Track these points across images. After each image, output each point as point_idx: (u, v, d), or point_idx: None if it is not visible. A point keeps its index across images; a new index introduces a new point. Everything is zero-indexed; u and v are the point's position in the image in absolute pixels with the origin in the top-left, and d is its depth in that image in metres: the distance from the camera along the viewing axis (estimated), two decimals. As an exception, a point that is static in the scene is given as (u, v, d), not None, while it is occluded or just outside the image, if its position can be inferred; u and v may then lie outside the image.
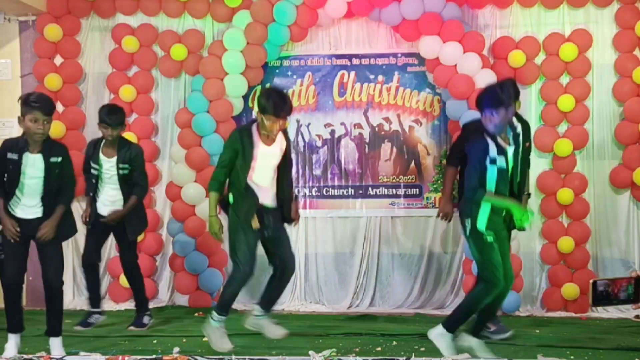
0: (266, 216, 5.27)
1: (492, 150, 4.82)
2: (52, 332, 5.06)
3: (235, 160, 5.26)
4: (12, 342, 5.00)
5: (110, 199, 6.22)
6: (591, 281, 2.73)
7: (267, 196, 5.31)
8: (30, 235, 4.96)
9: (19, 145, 4.98)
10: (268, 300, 5.47)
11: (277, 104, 5.15)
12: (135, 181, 6.23)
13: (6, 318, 5.03)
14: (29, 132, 4.94)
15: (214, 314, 5.33)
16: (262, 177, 5.28)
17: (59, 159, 4.97)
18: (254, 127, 5.32)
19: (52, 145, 5.04)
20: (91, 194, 6.26)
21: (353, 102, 7.54)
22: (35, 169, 4.93)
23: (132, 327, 6.32)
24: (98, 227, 6.26)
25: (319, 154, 7.56)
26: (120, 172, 6.17)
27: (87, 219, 6.27)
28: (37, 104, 4.95)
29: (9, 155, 4.97)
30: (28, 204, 4.96)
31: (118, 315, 6.95)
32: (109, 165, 6.19)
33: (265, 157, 5.28)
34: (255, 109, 7.48)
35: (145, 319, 6.39)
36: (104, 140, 6.23)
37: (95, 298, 6.40)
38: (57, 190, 4.98)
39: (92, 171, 6.23)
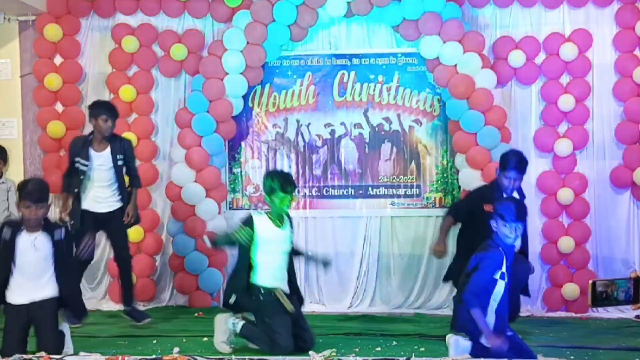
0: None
1: (504, 264, 4.62)
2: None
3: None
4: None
5: (102, 195, 6.24)
6: (590, 282, 2.72)
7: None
8: None
9: None
10: None
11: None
12: (130, 173, 6.37)
13: None
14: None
15: (237, 319, 5.44)
16: None
17: None
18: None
19: None
20: (76, 191, 6.22)
21: (353, 102, 7.54)
22: None
23: (143, 320, 6.39)
24: (90, 224, 6.18)
25: (319, 154, 7.56)
26: (119, 162, 6.24)
27: (69, 217, 6.18)
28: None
29: None
30: None
31: (118, 315, 6.93)
32: (101, 160, 6.20)
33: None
34: (256, 109, 7.53)
35: (140, 308, 6.51)
36: (92, 136, 6.27)
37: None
38: None
39: (81, 167, 6.20)
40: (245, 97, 7.46)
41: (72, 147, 6.37)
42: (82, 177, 6.21)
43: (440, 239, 6.11)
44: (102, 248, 7.53)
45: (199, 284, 7.33)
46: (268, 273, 5.40)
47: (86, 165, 6.20)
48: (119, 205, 6.36)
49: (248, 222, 5.41)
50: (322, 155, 7.56)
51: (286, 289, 5.48)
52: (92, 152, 6.22)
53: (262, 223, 5.43)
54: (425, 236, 7.41)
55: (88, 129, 7.42)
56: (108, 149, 6.25)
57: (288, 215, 5.58)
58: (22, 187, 4.91)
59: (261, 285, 5.37)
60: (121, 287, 6.55)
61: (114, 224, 6.35)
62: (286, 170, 7.47)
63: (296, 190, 5.57)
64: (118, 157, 6.24)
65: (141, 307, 7.31)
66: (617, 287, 2.73)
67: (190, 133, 7.29)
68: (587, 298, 2.74)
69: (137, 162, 6.86)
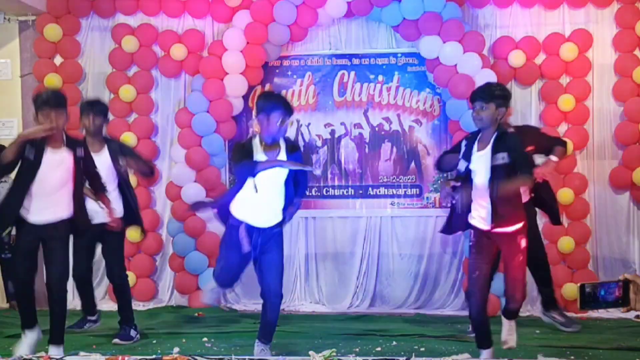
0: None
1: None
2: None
3: None
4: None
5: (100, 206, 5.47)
6: (579, 285, 2.72)
7: None
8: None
9: None
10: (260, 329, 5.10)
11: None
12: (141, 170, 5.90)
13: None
14: None
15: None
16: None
17: None
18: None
19: None
20: None
21: (353, 102, 7.54)
22: None
23: (117, 340, 5.70)
24: (86, 236, 5.49)
25: (319, 154, 7.56)
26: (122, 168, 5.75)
27: None
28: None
29: None
30: None
31: (118, 315, 6.94)
32: (101, 162, 5.49)
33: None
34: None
35: (132, 332, 5.80)
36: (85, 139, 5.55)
37: (90, 306, 6.05)
38: None
39: None
40: (245, 97, 7.46)
41: None
42: None
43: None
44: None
45: (199, 284, 7.33)
46: (244, 204, 4.85)
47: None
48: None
49: (246, 146, 4.89)
50: (322, 155, 7.57)
51: (269, 224, 4.89)
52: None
53: (256, 149, 4.86)
54: (425, 236, 7.41)
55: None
56: (105, 150, 5.73)
57: (288, 143, 4.98)
58: (37, 98, 4.80)
59: (234, 214, 4.88)
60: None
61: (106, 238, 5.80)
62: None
63: (289, 111, 4.84)
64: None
65: (141, 307, 7.33)
66: (606, 289, 2.71)
67: (190, 133, 7.30)
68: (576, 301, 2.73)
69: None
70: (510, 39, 7.24)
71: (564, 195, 7.04)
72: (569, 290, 6.97)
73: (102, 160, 5.57)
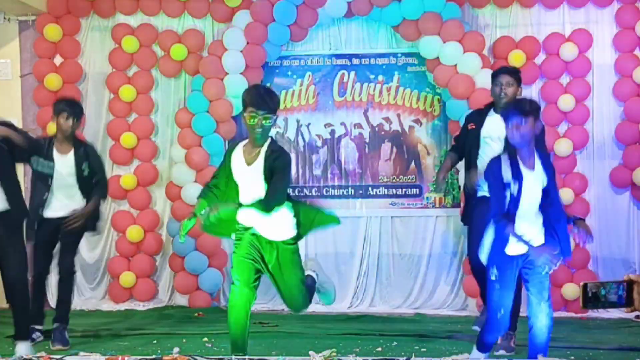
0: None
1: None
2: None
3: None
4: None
5: (64, 201, 5.56)
6: (582, 283, 2.72)
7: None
8: None
9: None
10: None
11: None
12: (97, 179, 5.68)
13: None
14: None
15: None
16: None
17: None
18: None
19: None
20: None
21: (353, 102, 7.54)
22: None
23: (59, 346, 5.38)
24: (45, 233, 5.55)
25: (319, 154, 7.56)
26: (84, 172, 5.60)
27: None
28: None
29: None
30: None
31: (118, 315, 6.95)
32: (64, 164, 5.55)
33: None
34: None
35: (66, 333, 5.54)
36: (55, 137, 5.66)
37: (40, 313, 5.65)
38: None
39: (45, 170, 5.56)
40: (245, 97, 7.45)
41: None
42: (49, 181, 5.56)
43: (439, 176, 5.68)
44: (102, 248, 7.55)
45: (199, 284, 7.33)
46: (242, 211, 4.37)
47: (50, 168, 5.55)
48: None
49: (228, 153, 4.49)
50: (322, 155, 7.57)
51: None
52: (55, 153, 5.59)
53: (237, 154, 4.42)
54: (425, 236, 7.41)
55: (88, 129, 7.45)
56: (70, 154, 5.60)
57: (274, 147, 4.41)
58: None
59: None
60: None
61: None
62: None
63: (270, 108, 4.36)
64: (83, 167, 5.58)
65: (141, 307, 7.33)
66: (609, 289, 2.71)
67: (190, 133, 7.29)
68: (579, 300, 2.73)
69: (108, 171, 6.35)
70: (510, 39, 7.24)
71: (564, 195, 7.04)
72: (569, 290, 6.97)
73: (65, 163, 5.56)
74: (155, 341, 5.72)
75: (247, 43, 7.22)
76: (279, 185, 4.31)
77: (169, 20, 7.61)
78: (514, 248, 4.21)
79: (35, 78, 7.57)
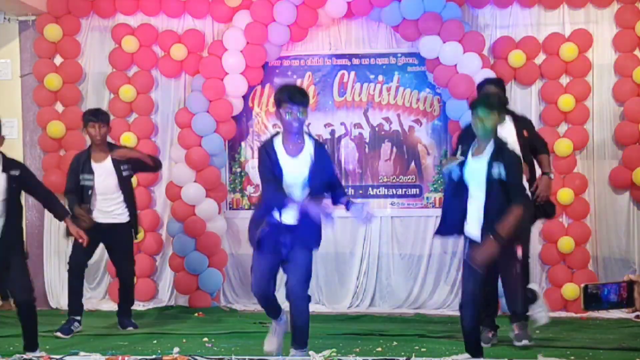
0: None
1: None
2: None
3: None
4: None
5: (105, 209, 6.14)
6: (582, 285, 2.72)
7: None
8: None
9: None
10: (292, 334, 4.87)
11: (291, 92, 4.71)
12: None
13: None
14: None
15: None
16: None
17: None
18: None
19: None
20: (88, 206, 6.08)
21: (353, 102, 7.54)
22: None
23: (58, 333, 5.95)
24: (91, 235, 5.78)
25: (319, 154, 7.54)
26: (123, 173, 6.15)
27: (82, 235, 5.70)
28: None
29: None
30: None
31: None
32: (102, 171, 6.11)
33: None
34: (256, 109, 7.52)
35: (75, 325, 6.14)
36: (91, 149, 6.21)
37: (79, 305, 6.23)
38: None
39: (86, 183, 6.09)
40: (245, 97, 7.46)
41: (73, 165, 6.22)
42: (89, 192, 6.09)
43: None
44: (102, 248, 7.52)
45: (199, 284, 7.33)
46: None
47: (90, 180, 6.09)
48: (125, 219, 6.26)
49: (269, 145, 4.70)
50: (322, 155, 7.55)
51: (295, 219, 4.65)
52: (93, 164, 6.14)
53: (279, 149, 4.68)
54: (425, 236, 7.41)
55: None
56: (108, 159, 6.16)
57: (311, 138, 4.77)
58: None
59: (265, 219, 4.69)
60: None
61: (109, 239, 6.26)
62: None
63: (308, 102, 4.68)
64: (123, 167, 6.15)
65: (141, 307, 7.33)
66: (609, 290, 2.71)
67: (190, 133, 7.30)
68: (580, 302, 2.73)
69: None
70: (510, 39, 7.24)
71: (564, 195, 7.04)
72: (569, 290, 6.97)
73: (105, 170, 6.13)
74: (155, 341, 5.73)
75: (247, 43, 7.23)
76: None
77: (169, 20, 7.61)
78: (468, 228, 4.72)
79: (35, 78, 7.57)
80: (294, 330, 4.77)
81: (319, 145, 4.76)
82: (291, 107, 4.58)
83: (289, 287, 4.70)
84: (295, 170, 4.63)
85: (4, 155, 4.94)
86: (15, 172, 4.90)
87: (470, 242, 4.69)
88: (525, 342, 5.38)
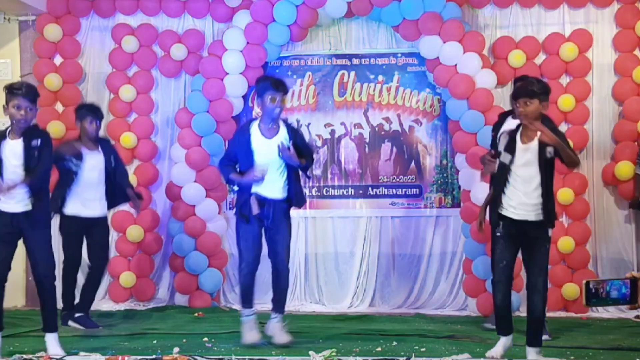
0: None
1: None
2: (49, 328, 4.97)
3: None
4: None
5: (91, 197, 6.14)
6: (584, 281, 2.71)
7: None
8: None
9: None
10: (273, 299, 5.53)
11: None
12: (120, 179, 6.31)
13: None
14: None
15: (241, 310, 5.51)
16: None
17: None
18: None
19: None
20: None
21: (353, 102, 7.54)
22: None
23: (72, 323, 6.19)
24: (79, 229, 6.19)
25: (319, 154, 7.56)
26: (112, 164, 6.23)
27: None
28: (19, 90, 4.73)
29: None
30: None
31: (118, 315, 6.94)
32: (94, 159, 6.15)
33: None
34: (256, 109, 7.53)
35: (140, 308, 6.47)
36: (80, 139, 6.21)
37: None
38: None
39: (73, 167, 6.08)
40: (245, 97, 7.46)
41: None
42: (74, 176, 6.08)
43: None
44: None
45: (199, 284, 7.33)
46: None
47: (77, 166, 6.08)
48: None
49: (244, 128, 5.41)
50: (322, 155, 7.57)
51: (275, 196, 5.33)
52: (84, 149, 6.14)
53: (254, 131, 5.34)
54: (425, 236, 7.41)
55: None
56: (97, 151, 6.22)
57: (286, 124, 5.44)
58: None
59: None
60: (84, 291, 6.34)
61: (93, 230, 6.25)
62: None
63: (279, 89, 5.25)
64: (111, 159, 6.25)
65: (141, 307, 7.33)
66: (612, 286, 2.71)
67: (190, 133, 7.30)
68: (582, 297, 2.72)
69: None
70: (510, 39, 7.24)
71: (564, 195, 7.04)
72: (569, 290, 6.97)
73: (95, 159, 6.17)
74: (155, 341, 5.71)
75: (247, 43, 7.23)
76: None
77: (169, 20, 7.61)
78: (507, 211, 4.69)
79: (35, 78, 7.56)
80: (279, 294, 5.45)
81: (291, 130, 5.43)
82: (275, 94, 5.21)
83: (280, 259, 5.37)
84: (269, 151, 5.26)
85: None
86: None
87: (508, 222, 4.68)
88: (546, 337, 5.41)
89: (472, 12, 7.36)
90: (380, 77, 7.50)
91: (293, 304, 7.36)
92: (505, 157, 4.71)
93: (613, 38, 7.21)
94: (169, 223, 7.47)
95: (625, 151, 7.04)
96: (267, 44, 7.28)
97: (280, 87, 5.27)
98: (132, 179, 7.44)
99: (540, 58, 7.24)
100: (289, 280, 5.56)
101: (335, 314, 7.11)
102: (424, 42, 7.09)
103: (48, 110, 7.53)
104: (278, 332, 5.42)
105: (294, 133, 5.45)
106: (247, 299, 5.44)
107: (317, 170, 7.56)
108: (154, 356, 4.65)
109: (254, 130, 5.34)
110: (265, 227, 5.37)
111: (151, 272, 7.52)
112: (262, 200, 5.31)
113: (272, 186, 5.31)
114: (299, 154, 5.32)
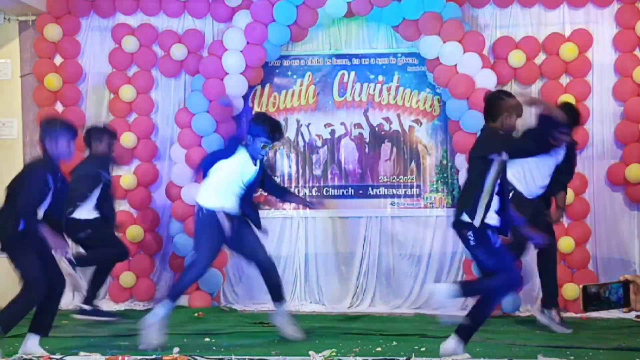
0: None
1: None
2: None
3: None
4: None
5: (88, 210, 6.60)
6: (581, 286, 2.70)
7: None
8: None
9: None
10: (271, 294, 5.76)
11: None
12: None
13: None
14: None
15: (166, 301, 5.60)
16: None
17: None
18: None
19: None
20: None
21: (353, 102, 7.54)
22: None
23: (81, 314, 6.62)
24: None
25: (319, 154, 7.56)
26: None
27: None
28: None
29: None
30: None
31: (118, 315, 6.93)
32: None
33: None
34: (256, 109, 7.53)
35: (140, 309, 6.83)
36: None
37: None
38: None
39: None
40: (245, 97, 7.46)
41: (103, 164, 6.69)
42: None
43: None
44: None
45: (199, 284, 7.31)
46: (218, 195, 5.55)
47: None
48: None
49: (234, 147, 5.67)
50: (322, 155, 7.57)
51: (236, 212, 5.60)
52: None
53: (242, 154, 5.59)
54: (425, 236, 7.41)
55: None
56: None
57: (263, 166, 5.78)
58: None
59: (204, 205, 5.56)
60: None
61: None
62: (286, 170, 7.51)
63: (273, 139, 5.60)
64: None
65: (141, 307, 7.32)
66: (610, 290, 2.70)
67: (190, 133, 7.30)
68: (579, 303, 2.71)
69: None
70: (510, 39, 7.24)
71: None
72: (569, 290, 6.97)
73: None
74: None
75: (247, 43, 7.22)
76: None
77: (169, 20, 7.61)
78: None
79: (35, 78, 7.57)
80: (277, 288, 5.71)
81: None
82: (268, 142, 5.52)
83: (262, 258, 5.66)
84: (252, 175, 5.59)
85: None
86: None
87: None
88: (569, 330, 5.85)
89: (472, 12, 7.36)
90: (380, 77, 7.50)
91: (293, 304, 7.35)
92: None
93: (613, 38, 7.21)
94: (169, 223, 7.47)
95: (634, 153, 7.03)
96: (267, 44, 7.27)
97: (276, 137, 5.60)
98: (132, 179, 7.46)
99: (540, 58, 7.24)
100: (278, 272, 5.82)
101: (335, 314, 7.11)
102: (424, 42, 7.09)
103: (48, 110, 7.51)
104: (286, 325, 5.64)
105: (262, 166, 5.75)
106: (178, 295, 5.78)
107: (317, 171, 7.56)
108: (154, 356, 4.65)
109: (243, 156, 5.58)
110: (230, 242, 5.60)
111: (151, 272, 7.51)
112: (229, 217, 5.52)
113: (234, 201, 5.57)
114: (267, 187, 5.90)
